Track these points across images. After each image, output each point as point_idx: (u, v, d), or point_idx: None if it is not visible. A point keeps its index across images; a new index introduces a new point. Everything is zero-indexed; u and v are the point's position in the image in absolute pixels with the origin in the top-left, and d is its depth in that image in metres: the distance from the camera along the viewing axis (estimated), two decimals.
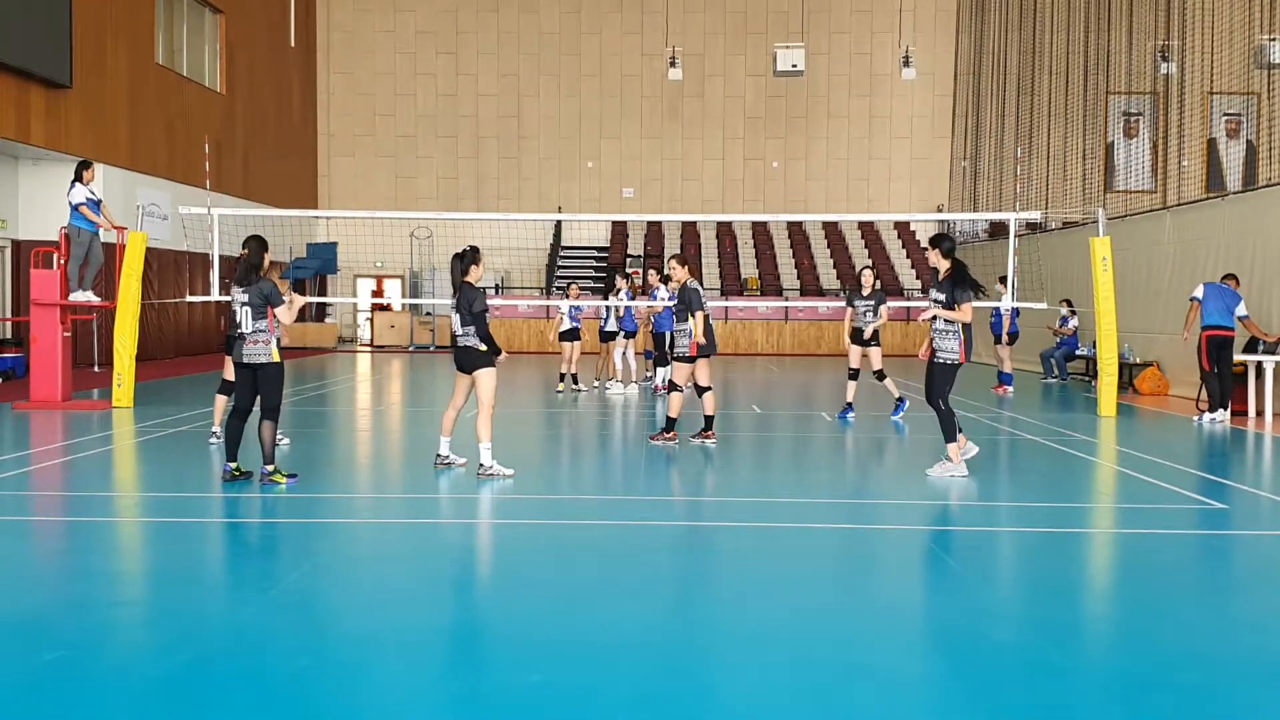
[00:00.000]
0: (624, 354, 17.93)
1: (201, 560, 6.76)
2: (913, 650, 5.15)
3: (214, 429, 11.24)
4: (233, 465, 9.00)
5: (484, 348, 9.38)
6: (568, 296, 17.83)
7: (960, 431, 9.78)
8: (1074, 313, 20.40)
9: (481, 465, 9.41)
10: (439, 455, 9.87)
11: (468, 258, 9.54)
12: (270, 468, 8.92)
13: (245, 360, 8.91)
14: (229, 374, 10.85)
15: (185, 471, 9.87)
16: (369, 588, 6.12)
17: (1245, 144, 19.92)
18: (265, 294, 8.88)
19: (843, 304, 15.83)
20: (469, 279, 9.52)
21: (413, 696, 4.42)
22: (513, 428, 13.09)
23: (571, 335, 17.52)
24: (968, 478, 9.47)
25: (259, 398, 9.01)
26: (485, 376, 9.43)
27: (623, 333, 17.78)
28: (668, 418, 11.56)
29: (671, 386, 11.69)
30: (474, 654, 4.98)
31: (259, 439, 8.94)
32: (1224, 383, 14.15)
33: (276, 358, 8.93)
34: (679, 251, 34.79)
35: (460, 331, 9.48)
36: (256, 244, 9.01)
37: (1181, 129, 19.93)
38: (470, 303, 9.42)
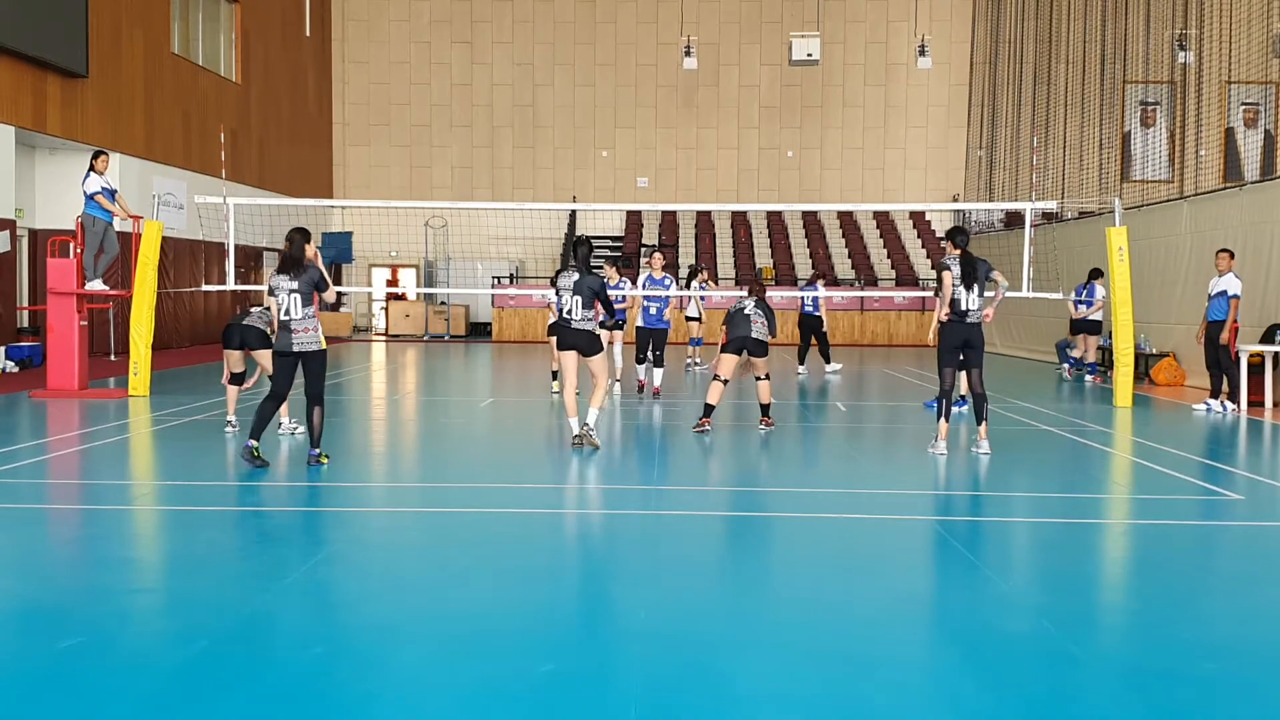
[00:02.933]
0: (611, 347, 15.31)
1: (217, 548, 6.78)
2: (928, 640, 5.14)
3: (229, 418, 11.29)
4: (254, 444, 9.02)
5: (602, 332, 10.61)
6: (652, 271, 15.13)
7: (945, 420, 10.27)
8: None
9: (587, 426, 10.31)
10: (575, 436, 10.30)
11: (587, 244, 10.52)
12: (318, 450, 9.20)
13: (295, 349, 9.07)
14: (235, 366, 11.00)
15: (201, 460, 9.91)
16: (383, 576, 6.14)
17: (1263, 133, 19.79)
18: (314, 281, 9.15)
19: (857, 294, 15.75)
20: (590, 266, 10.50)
21: (426, 684, 4.43)
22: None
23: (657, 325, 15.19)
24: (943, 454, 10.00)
25: (306, 384, 9.23)
26: (601, 359, 10.50)
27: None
28: (705, 403, 11.82)
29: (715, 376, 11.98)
30: (487, 643, 4.98)
31: (307, 424, 9.25)
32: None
33: (324, 344, 9.22)
34: (696, 240, 34.76)
35: (580, 316, 10.22)
36: (300, 236, 9.24)
37: (1199, 118, 19.81)
38: (594, 288, 10.25)
